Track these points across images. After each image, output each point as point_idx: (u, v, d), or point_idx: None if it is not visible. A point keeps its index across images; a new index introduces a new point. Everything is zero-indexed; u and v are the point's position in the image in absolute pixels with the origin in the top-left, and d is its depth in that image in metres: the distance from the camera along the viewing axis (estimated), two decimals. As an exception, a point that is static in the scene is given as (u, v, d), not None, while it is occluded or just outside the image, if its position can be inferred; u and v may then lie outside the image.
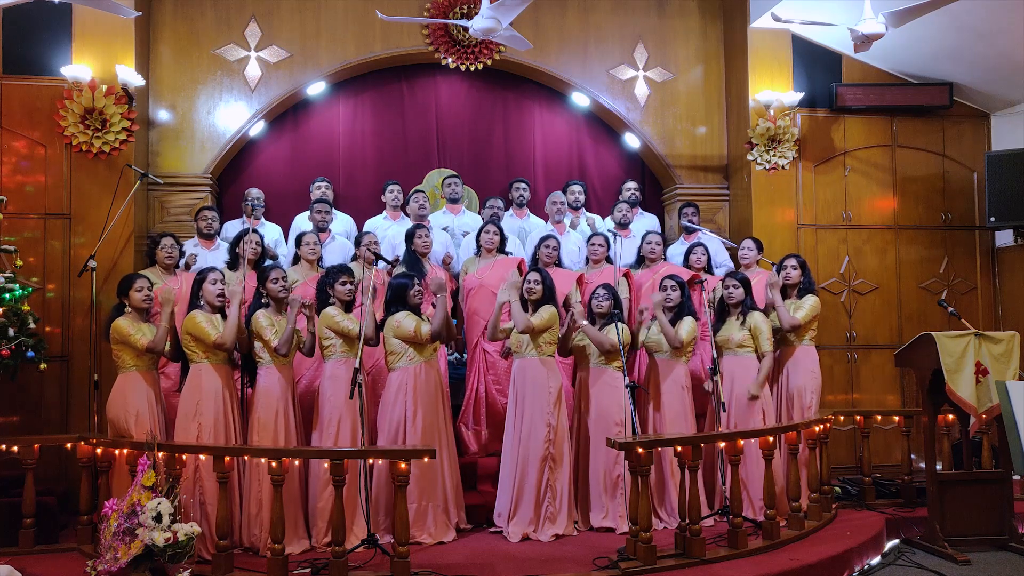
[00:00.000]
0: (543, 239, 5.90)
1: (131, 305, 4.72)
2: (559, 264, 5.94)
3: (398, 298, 4.90)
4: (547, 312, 4.98)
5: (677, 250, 6.52)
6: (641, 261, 6.20)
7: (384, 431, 4.85)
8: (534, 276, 5.11)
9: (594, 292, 5.22)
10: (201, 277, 4.76)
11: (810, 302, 5.49)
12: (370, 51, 6.88)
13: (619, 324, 5.03)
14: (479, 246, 5.94)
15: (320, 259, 5.74)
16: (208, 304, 4.72)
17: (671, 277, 5.38)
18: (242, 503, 4.64)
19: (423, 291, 5.06)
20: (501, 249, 5.96)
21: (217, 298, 4.72)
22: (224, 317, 4.76)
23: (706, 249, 6.14)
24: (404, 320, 4.84)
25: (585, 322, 5.11)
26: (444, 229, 6.54)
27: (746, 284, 5.39)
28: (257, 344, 4.74)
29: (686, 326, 5.22)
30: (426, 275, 5.44)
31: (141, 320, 4.75)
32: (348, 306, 4.92)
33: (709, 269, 6.17)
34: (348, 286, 4.90)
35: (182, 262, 5.71)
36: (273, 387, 4.71)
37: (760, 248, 6.14)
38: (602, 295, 5.16)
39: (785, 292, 5.58)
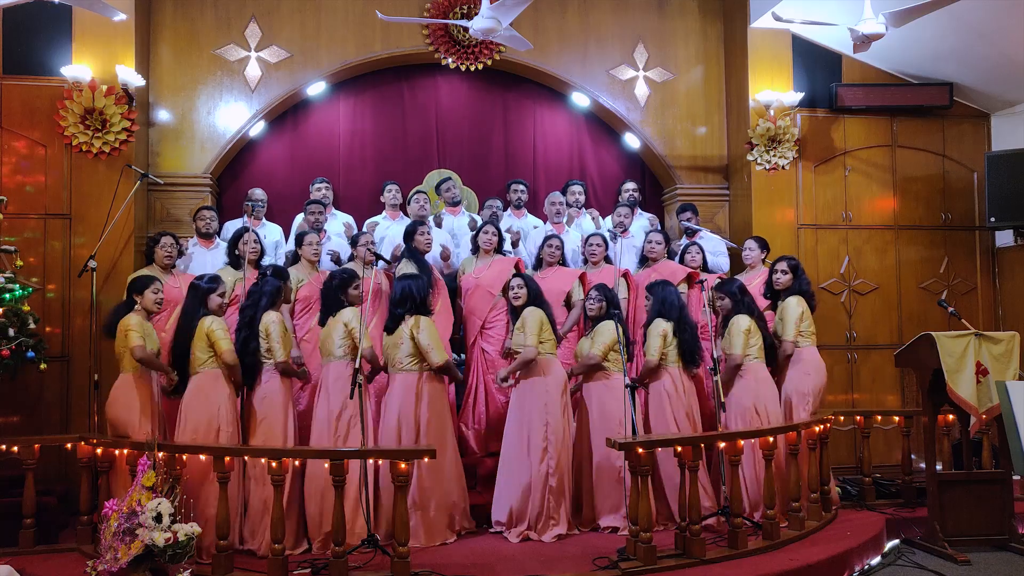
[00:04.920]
0: (547, 238, 5.91)
1: (142, 305, 4.71)
2: (563, 263, 5.94)
3: (424, 302, 4.90)
4: (534, 324, 4.96)
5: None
6: (644, 260, 6.19)
7: (388, 431, 4.83)
8: (517, 282, 5.18)
9: (588, 295, 5.24)
10: (210, 289, 4.77)
11: (789, 311, 5.32)
12: (370, 51, 6.88)
13: (617, 324, 5.02)
14: (476, 246, 5.94)
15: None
16: (212, 313, 4.76)
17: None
18: (246, 503, 4.64)
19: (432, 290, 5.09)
20: (499, 249, 5.96)
21: (219, 309, 4.79)
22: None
23: (700, 249, 6.12)
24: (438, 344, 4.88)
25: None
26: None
27: (732, 295, 5.27)
28: (263, 345, 4.75)
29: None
30: (431, 273, 5.45)
31: (149, 321, 4.75)
32: None
33: (705, 268, 6.16)
34: (359, 291, 4.92)
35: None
36: (277, 388, 4.73)
37: (763, 247, 6.12)
38: (594, 297, 5.18)
39: (778, 295, 5.57)
